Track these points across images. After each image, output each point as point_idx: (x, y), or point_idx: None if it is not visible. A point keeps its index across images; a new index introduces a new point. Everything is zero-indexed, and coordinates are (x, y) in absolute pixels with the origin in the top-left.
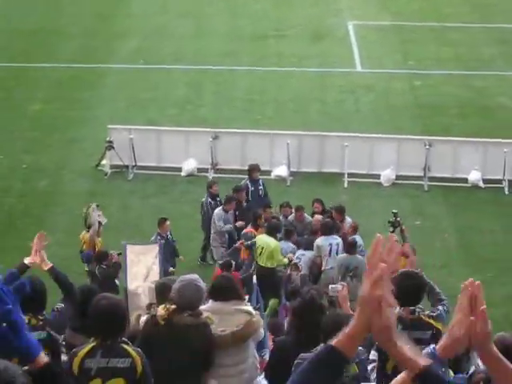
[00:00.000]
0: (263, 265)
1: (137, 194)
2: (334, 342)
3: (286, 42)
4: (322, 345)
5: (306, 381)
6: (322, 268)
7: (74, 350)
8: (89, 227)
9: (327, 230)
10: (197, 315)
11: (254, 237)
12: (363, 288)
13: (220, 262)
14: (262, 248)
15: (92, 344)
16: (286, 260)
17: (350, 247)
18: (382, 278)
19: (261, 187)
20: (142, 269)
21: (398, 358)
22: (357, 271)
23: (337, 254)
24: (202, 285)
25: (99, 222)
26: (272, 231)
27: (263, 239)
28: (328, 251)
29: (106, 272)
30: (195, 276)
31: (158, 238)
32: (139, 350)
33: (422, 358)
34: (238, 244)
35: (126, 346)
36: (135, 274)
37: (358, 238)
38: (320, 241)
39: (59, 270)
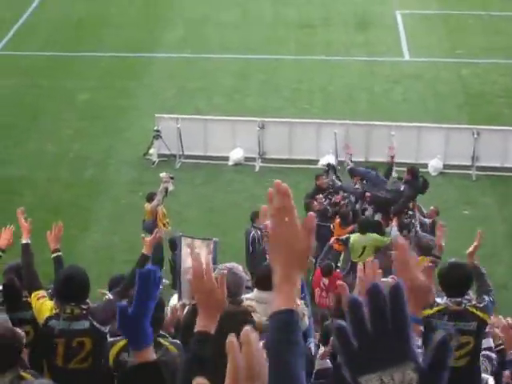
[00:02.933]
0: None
1: (184, 183)
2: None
3: (333, 31)
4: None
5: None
6: None
7: (110, 340)
8: (151, 198)
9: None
10: (237, 303)
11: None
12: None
13: (321, 264)
14: (364, 247)
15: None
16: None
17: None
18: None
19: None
20: None
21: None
22: None
23: None
24: (242, 273)
25: (166, 188)
26: (363, 228)
27: (360, 238)
28: None
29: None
30: (234, 264)
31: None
32: (177, 342)
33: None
34: (332, 241)
35: (162, 340)
36: (188, 269)
37: None
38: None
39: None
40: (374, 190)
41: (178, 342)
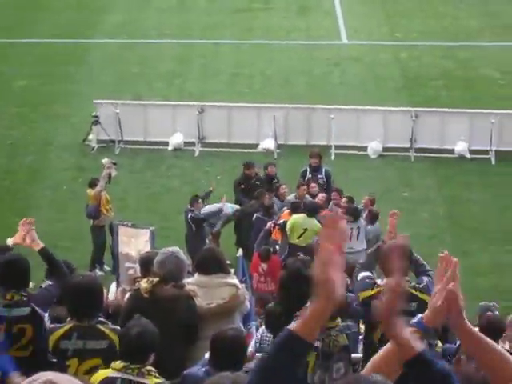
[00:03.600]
0: (304, 245)
1: (124, 169)
2: (292, 326)
3: (272, 15)
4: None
5: (270, 366)
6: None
7: (50, 327)
8: (94, 184)
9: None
10: (180, 287)
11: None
12: (315, 271)
13: (259, 249)
14: (305, 229)
15: (68, 325)
16: None
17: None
18: (332, 260)
19: (321, 176)
20: (132, 251)
21: (396, 340)
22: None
23: (357, 239)
24: (183, 257)
25: (109, 174)
26: (311, 211)
27: (305, 220)
28: (348, 236)
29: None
30: (176, 248)
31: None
32: (118, 328)
33: (416, 342)
34: (269, 225)
35: (102, 328)
36: (126, 255)
37: None
38: None
39: (50, 250)
40: None
41: (118, 327)
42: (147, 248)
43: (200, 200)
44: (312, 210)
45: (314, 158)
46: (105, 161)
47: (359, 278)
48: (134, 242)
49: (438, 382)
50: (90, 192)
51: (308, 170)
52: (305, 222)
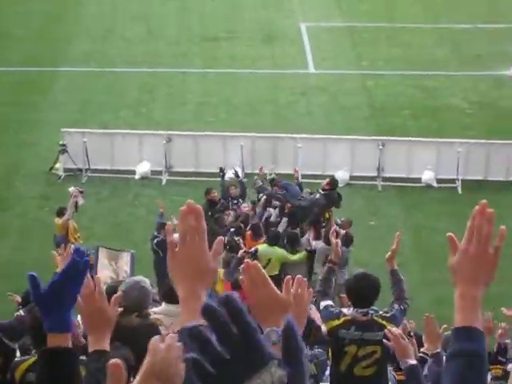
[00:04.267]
0: (272, 275)
1: (91, 197)
2: None
3: (237, 44)
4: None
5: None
6: None
7: (16, 360)
8: (61, 213)
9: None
10: (144, 316)
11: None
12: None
13: (230, 279)
14: (269, 260)
15: (34, 357)
16: (302, 253)
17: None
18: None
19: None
20: (111, 273)
21: None
22: None
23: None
24: (148, 286)
25: (76, 203)
26: (272, 240)
27: (267, 250)
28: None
29: None
30: (141, 277)
31: None
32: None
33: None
34: (241, 253)
35: None
36: (105, 277)
37: None
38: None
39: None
40: (293, 200)
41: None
42: (128, 271)
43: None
44: (272, 238)
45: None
46: (71, 189)
47: (321, 306)
48: (113, 265)
49: None
50: (58, 221)
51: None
52: (268, 251)
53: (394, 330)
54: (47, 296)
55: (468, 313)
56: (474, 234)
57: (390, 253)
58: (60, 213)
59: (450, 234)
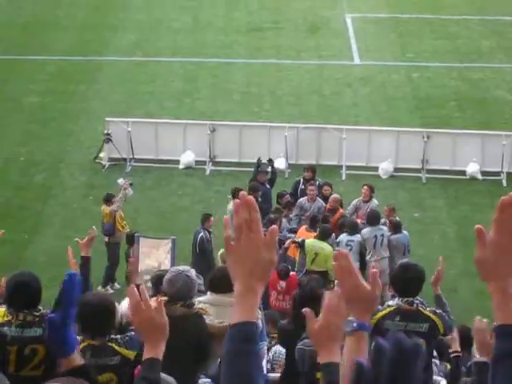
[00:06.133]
0: (319, 270)
1: (135, 187)
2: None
3: (283, 35)
4: None
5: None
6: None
7: None
8: (108, 200)
9: (373, 219)
10: (189, 306)
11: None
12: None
13: (277, 267)
14: (316, 254)
15: (82, 345)
16: None
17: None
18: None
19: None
20: (153, 262)
21: None
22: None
23: (381, 246)
24: (193, 276)
25: (125, 195)
26: (324, 236)
27: (314, 244)
28: (373, 243)
29: None
30: (186, 267)
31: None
32: (127, 338)
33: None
34: (287, 243)
35: (114, 345)
36: (146, 266)
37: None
38: (366, 232)
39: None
40: None
41: (128, 337)
42: (169, 258)
43: None
44: (323, 234)
45: (308, 171)
46: (121, 181)
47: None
48: (154, 253)
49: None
50: (105, 209)
51: (301, 181)
52: (315, 246)
53: (484, 322)
54: (60, 327)
55: (509, 309)
56: (503, 227)
57: (434, 277)
58: (107, 200)
59: (478, 226)
